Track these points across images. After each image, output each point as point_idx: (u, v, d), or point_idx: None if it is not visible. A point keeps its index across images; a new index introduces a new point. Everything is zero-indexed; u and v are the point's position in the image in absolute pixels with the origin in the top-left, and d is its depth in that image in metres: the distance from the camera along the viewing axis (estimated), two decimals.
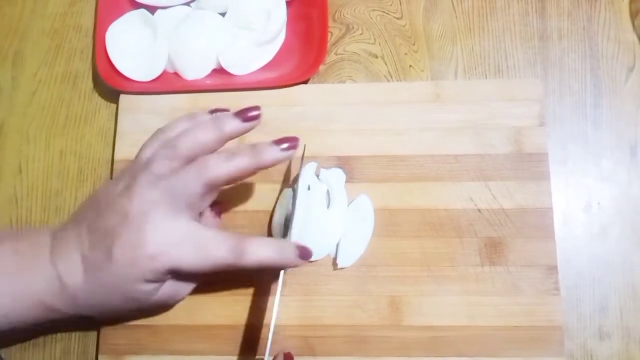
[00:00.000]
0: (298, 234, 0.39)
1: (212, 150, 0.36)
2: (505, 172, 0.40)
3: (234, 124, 0.36)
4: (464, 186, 0.40)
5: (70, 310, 0.35)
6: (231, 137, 0.36)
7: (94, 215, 0.35)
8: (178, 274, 0.35)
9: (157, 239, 0.33)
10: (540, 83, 0.42)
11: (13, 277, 0.34)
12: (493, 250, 0.39)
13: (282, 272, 0.36)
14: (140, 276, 0.33)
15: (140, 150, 0.38)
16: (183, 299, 0.38)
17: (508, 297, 0.38)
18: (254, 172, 0.36)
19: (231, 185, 0.40)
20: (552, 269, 0.38)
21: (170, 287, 0.36)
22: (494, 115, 0.41)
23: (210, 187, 0.35)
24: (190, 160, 0.35)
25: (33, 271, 0.34)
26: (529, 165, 0.40)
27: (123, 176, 0.36)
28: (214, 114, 0.39)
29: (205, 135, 0.35)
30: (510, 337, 0.37)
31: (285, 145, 0.35)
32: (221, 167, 0.34)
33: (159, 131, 0.38)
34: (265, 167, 0.35)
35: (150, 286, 0.34)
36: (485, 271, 0.39)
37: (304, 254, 0.35)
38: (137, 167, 0.36)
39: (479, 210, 0.40)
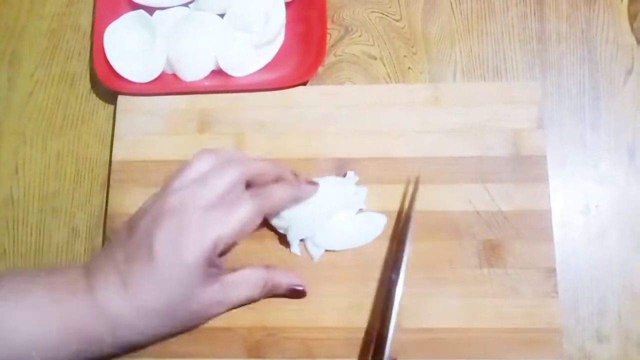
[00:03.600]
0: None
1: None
2: (504, 174, 0.40)
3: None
4: (462, 188, 0.40)
5: (116, 339, 0.34)
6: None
7: (124, 235, 0.35)
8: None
9: (199, 218, 0.33)
10: (539, 86, 0.42)
11: (50, 310, 0.33)
12: (492, 253, 0.39)
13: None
14: (191, 261, 0.33)
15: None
16: (223, 311, 0.37)
17: (507, 299, 0.38)
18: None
19: None
20: (551, 271, 0.38)
21: (216, 291, 0.35)
22: (493, 118, 0.41)
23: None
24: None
25: (72, 304, 0.33)
26: (528, 167, 0.40)
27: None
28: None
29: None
30: (509, 339, 0.37)
31: None
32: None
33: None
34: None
35: (202, 275, 0.33)
36: (483, 273, 0.39)
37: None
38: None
39: (477, 212, 0.40)
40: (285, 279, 0.38)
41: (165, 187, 0.36)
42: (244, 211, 0.34)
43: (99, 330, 0.33)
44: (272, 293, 0.38)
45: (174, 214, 0.33)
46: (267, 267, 0.38)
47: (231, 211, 0.34)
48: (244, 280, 0.37)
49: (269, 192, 0.36)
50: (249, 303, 0.38)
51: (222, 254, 0.35)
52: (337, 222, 0.39)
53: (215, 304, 0.36)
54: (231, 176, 0.35)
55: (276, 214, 0.38)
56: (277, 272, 0.38)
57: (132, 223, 0.35)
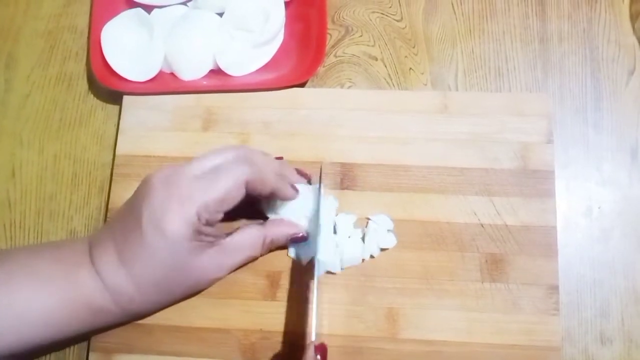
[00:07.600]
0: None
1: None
2: (510, 187, 0.40)
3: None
4: (467, 200, 0.40)
5: (121, 309, 0.35)
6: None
7: (123, 208, 0.36)
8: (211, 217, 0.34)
9: (184, 189, 0.33)
10: (549, 99, 0.41)
11: (59, 283, 0.34)
12: (494, 267, 0.38)
13: (316, 277, 0.35)
14: (175, 233, 0.33)
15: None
16: (224, 274, 0.38)
17: (507, 314, 0.37)
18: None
19: None
20: (553, 288, 0.38)
21: (214, 256, 0.36)
22: (502, 130, 0.41)
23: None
24: None
25: (77, 276, 0.34)
26: (535, 182, 0.40)
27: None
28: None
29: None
30: (507, 355, 0.37)
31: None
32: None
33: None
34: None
35: (192, 245, 0.34)
36: (485, 287, 0.38)
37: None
38: None
39: (481, 225, 0.39)
40: (283, 231, 0.38)
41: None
42: (229, 176, 0.34)
43: (105, 302, 0.34)
44: (275, 246, 0.38)
45: (161, 186, 0.34)
46: (263, 223, 0.38)
47: (216, 178, 0.34)
48: (242, 241, 0.37)
49: (256, 164, 0.35)
50: (252, 261, 0.38)
51: (210, 223, 0.34)
52: (345, 245, 0.39)
53: (215, 268, 0.37)
54: (226, 152, 0.36)
55: (261, 190, 0.35)
56: (273, 226, 0.38)
57: (132, 197, 0.36)
